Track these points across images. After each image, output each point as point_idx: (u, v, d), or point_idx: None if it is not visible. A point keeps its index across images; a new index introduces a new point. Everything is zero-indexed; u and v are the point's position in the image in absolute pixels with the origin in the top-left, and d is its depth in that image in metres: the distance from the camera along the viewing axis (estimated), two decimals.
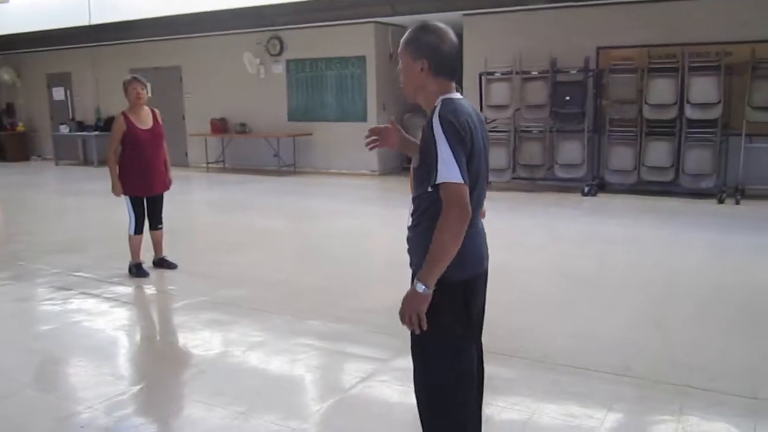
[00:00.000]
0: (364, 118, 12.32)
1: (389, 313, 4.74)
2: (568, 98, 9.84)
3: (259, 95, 13.29)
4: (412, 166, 2.42)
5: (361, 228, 8.12)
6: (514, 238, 6.97)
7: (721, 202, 8.77)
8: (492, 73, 10.36)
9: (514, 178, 10.30)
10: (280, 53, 12.90)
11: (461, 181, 2.08)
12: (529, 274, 5.67)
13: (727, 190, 9.01)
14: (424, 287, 2.13)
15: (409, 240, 2.39)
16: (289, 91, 13.04)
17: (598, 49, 9.98)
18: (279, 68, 13.05)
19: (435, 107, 2.19)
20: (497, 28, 10.69)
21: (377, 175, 12.39)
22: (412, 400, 2.42)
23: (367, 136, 2.55)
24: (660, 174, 9.39)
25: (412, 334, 2.27)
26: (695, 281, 5.48)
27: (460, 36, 11.33)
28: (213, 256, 6.58)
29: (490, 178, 10.38)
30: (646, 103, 9.31)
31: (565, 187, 10.05)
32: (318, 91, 12.77)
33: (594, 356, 3.87)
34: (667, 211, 8.47)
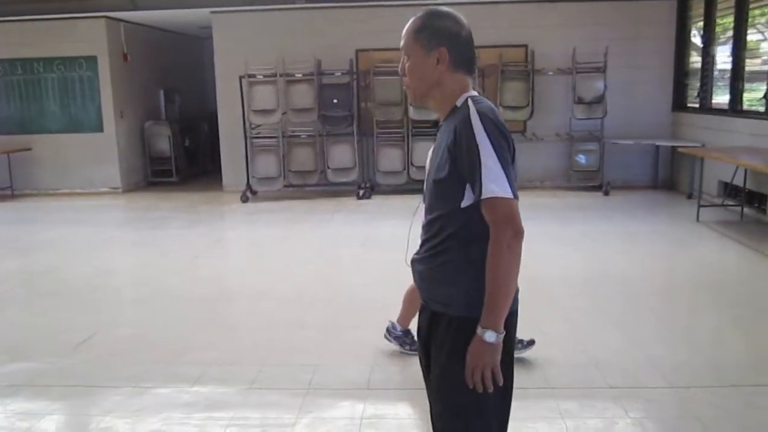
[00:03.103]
0: (99, 128, 10.62)
1: (262, 362, 3.97)
2: (335, 101, 9.66)
3: None
4: (429, 179, 1.94)
5: (139, 258, 6.87)
6: (331, 250, 6.52)
7: None
8: (253, 76, 9.69)
9: (285, 186, 9.79)
10: None
11: (512, 196, 1.75)
12: (369, 288, 5.26)
13: None
14: (495, 334, 1.74)
15: (421, 273, 1.94)
16: None
17: (357, 51, 9.97)
18: None
19: (460, 107, 1.84)
20: (253, 28, 10.02)
21: (121, 192, 10.78)
22: None
23: None
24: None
25: (450, 388, 1.83)
26: None
27: (211, 38, 10.43)
28: None
29: (263, 187, 9.76)
30: (410, 105, 9.55)
31: (338, 191, 9.85)
32: (36, 98, 10.64)
33: None
34: None
